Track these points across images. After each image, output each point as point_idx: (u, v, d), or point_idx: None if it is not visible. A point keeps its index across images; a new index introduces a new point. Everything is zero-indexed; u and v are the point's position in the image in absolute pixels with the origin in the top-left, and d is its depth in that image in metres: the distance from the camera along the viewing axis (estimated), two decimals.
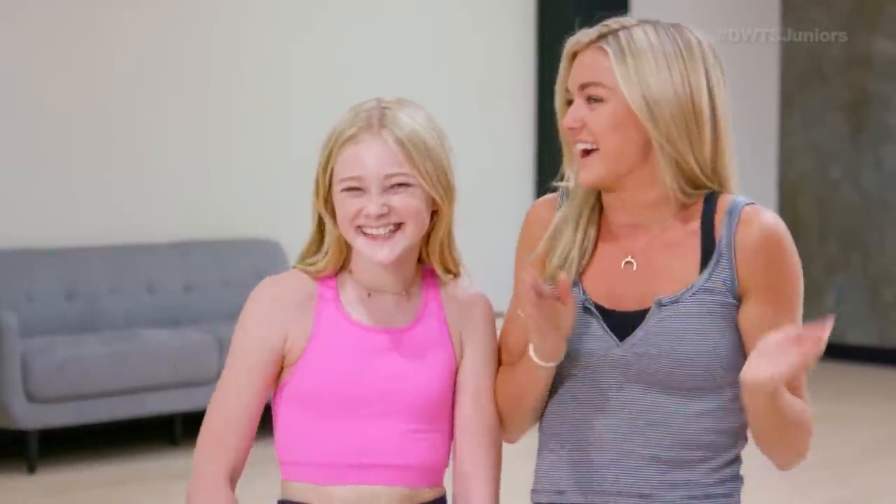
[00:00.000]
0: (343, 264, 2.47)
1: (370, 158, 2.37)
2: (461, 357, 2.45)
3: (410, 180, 2.38)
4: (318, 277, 2.45)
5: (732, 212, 2.34)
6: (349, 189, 2.38)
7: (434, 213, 2.44)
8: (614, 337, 2.32)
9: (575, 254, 2.36)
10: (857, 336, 10.18)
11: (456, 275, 2.49)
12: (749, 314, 2.32)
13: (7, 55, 7.35)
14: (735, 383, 2.32)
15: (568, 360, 2.34)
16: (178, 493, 6.51)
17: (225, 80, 8.05)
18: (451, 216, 2.47)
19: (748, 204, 2.36)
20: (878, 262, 10.08)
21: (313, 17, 8.40)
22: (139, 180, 7.75)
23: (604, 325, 2.33)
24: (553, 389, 2.38)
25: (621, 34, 2.32)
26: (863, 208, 10.15)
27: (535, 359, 2.31)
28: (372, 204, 2.37)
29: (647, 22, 2.35)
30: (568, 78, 2.36)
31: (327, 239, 2.44)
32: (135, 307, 7.53)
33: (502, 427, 2.45)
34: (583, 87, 2.32)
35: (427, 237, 2.46)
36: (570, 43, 2.36)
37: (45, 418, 6.81)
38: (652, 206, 2.36)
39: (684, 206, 2.36)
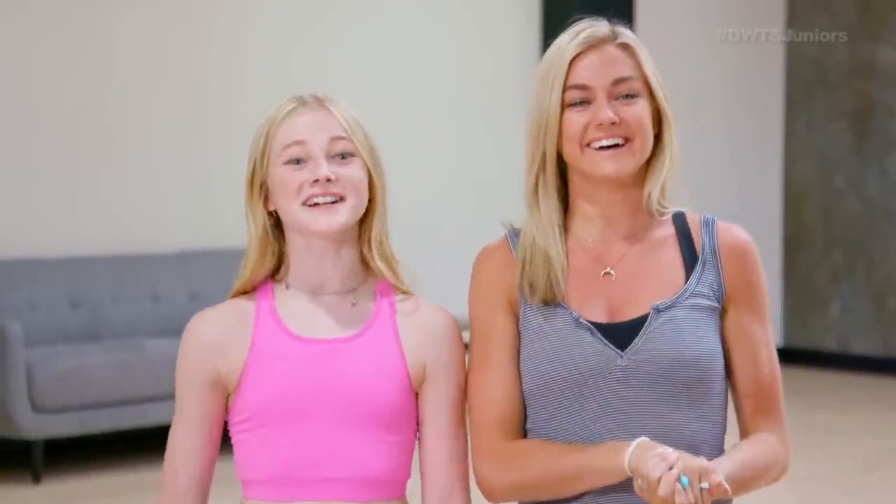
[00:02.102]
0: (277, 273, 2.43)
1: (314, 124, 2.36)
2: (421, 378, 2.40)
3: (352, 149, 2.37)
4: (256, 290, 2.42)
5: (708, 223, 2.41)
6: (291, 161, 2.35)
7: (369, 201, 2.41)
8: (614, 348, 2.32)
9: (558, 273, 2.36)
10: (862, 345, 10.17)
11: (393, 275, 2.43)
12: (734, 321, 2.36)
13: (10, 64, 7.36)
14: (721, 390, 2.36)
15: (571, 378, 2.32)
16: None
17: (227, 88, 8.06)
18: (386, 210, 2.42)
19: (717, 218, 2.42)
20: (883, 270, 10.08)
21: (315, 24, 8.40)
22: (143, 189, 7.75)
23: (601, 338, 2.32)
24: (557, 410, 2.35)
25: (625, 31, 2.38)
26: (867, 217, 10.14)
27: (627, 468, 2.23)
28: (319, 168, 2.33)
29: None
30: (572, 77, 2.34)
31: (254, 230, 2.40)
32: (138, 316, 7.53)
33: (495, 488, 2.37)
34: (618, 81, 2.33)
35: (362, 229, 2.42)
36: (580, 42, 2.34)
37: (49, 428, 6.81)
38: (629, 215, 2.39)
39: (652, 219, 2.40)
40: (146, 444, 7.52)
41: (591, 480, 2.28)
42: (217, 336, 2.39)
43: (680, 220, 2.40)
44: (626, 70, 2.33)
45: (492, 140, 9.04)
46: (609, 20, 2.41)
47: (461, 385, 2.42)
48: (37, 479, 6.83)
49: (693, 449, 2.31)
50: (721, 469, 2.23)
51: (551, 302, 2.34)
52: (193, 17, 7.94)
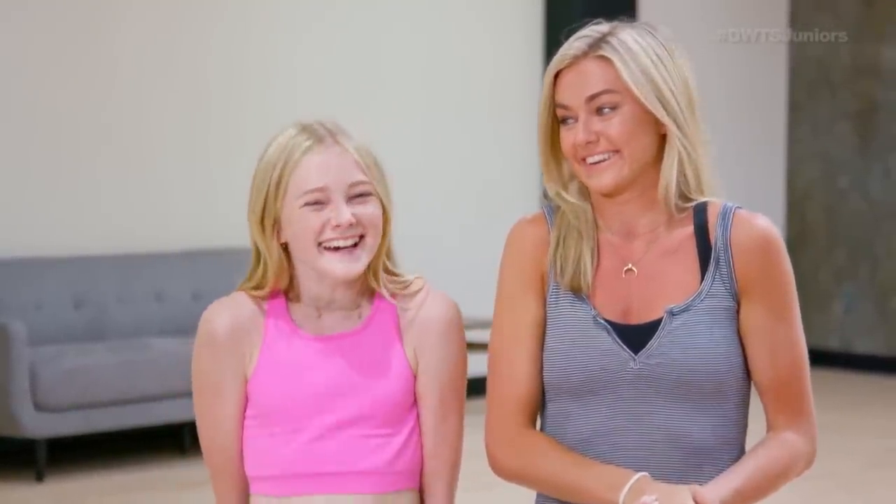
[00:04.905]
0: (285, 288, 2.44)
1: (333, 166, 2.35)
2: (417, 367, 2.42)
3: (370, 189, 2.38)
4: (266, 296, 2.43)
5: (725, 214, 2.39)
6: (311, 203, 2.35)
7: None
8: (628, 350, 2.32)
9: (587, 261, 2.36)
10: (865, 345, 10.17)
11: (395, 282, 2.44)
12: (747, 317, 2.35)
13: (12, 63, 7.37)
14: (739, 390, 2.35)
15: (585, 375, 2.32)
16: (187, 501, 6.50)
17: (230, 88, 8.07)
18: (390, 238, 2.44)
19: (739, 207, 2.40)
20: (887, 270, 10.08)
21: (317, 24, 8.40)
22: (147, 189, 7.76)
23: (616, 339, 2.32)
24: (570, 410, 2.35)
25: (611, 40, 2.34)
26: (871, 217, 10.14)
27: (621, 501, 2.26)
28: (341, 214, 2.34)
29: (618, 25, 2.38)
30: (558, 95, 2.35)
31: (269, 262, 2.40)
32: (143, 316, 7.54)
33: (504, 467, 2.39)
34: (592, 97, 2.32)
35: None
36: (558, 61, 2.35)
37: (53, 427, 6.81)
38: (646, 212, 2.37)
39: (673, 214, 2.38)
40: (150, 443, 7.53)
41: (589, 501, 2.30)
42: (235, 324, 2.40)
43: (700, 215, 2.38)
44: (600, 84, 2.31)
45: (495, 140, 9.04)
46: (611, 21, 2.41)
47: (455, 373, 2.43)
48: (40, 478, 6.84)
49: (707, 453, 2.32)
50: (727, 485, 2.24)
51: (577, 292, 2.35)
52: (196, 17, 7.95)
